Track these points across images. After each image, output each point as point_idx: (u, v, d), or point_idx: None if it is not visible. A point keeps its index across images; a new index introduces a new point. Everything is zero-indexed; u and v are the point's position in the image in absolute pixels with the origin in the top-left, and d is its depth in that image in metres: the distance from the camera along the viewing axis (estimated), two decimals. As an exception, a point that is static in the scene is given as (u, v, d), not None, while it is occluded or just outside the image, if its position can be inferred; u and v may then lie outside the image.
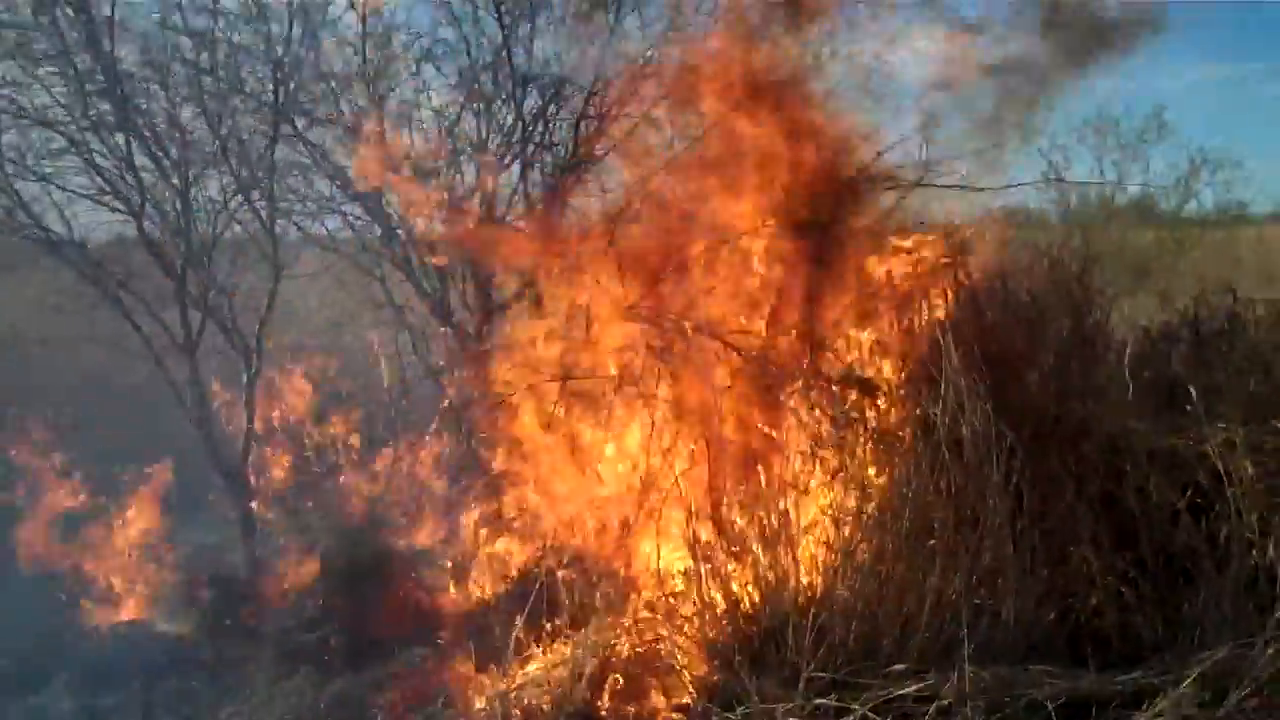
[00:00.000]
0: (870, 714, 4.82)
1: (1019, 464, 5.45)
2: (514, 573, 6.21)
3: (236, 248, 8.93)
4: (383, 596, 6.50)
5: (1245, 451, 5.42)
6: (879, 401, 5.74)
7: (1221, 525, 5.50)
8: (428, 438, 7.99)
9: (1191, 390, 5.67)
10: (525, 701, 5.10)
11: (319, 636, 6.41)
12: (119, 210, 8.49)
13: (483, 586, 6.16)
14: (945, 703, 4.83)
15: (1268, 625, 5.01)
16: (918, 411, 5.52)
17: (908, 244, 6.79)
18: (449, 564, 6.54)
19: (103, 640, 7.23)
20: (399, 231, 8.83)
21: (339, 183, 8.77)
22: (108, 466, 9.33)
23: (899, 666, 5.05)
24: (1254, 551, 5.39)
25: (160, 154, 8.38)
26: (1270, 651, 4.84)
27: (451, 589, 6.35)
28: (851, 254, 6.61)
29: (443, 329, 8.86)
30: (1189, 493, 5.70)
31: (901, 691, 4.88)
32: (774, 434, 5.76)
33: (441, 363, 8.28)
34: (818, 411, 5.66)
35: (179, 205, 8.43)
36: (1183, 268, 14.96)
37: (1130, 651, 5.43)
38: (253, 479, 8.59)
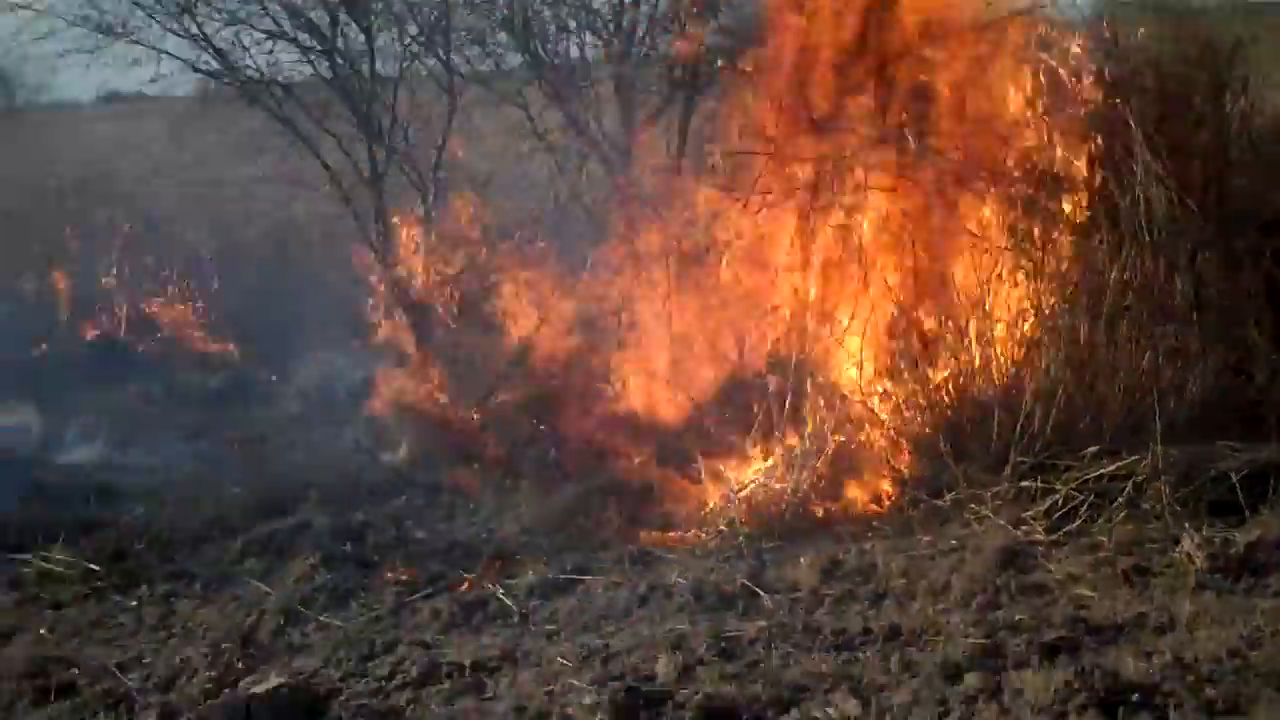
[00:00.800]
0: (1072, 492, 5.30)
1: (1199, 249, 5.78)
2: (717, 379, 6.64)
3: (415, 84, 9.28)
4: (591, 411, 6.98)
5: None
6: (1068, 194, 6.02)
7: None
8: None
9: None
10: (753, 498, 5.69)
11: (534, 454, 6.94)
12: (311, 49, 8.88)
13: (689, 395, 6.62)
14: (1140, 479, 5.29)
15: None
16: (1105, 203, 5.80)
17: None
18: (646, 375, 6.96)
19: (331, 466, 7.91)
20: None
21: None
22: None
23: (1093, 448, 5.49)
24: None
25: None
26: None
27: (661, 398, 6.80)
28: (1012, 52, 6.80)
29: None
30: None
31: (1099, 471, 5.35)
32: (972, 230, 6.05)
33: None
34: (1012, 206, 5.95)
35: (366, 42, 8.80)
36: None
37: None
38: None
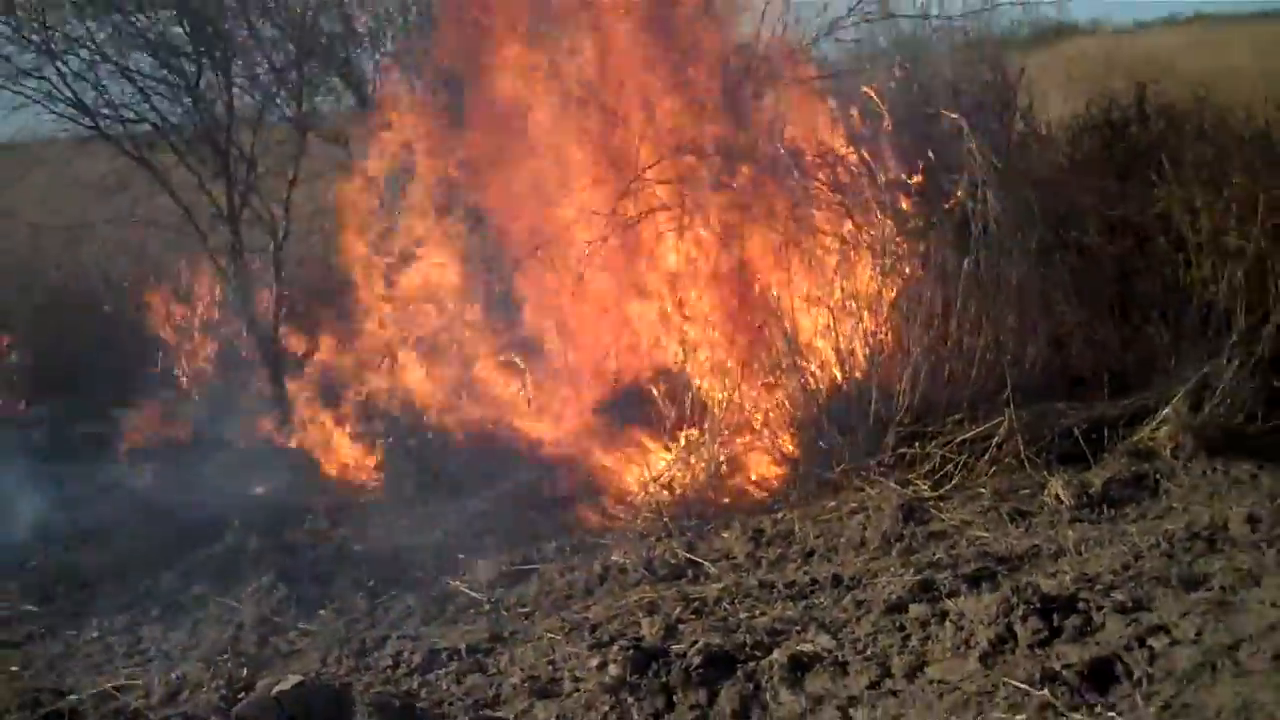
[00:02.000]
0: (946, 454, 6.16)
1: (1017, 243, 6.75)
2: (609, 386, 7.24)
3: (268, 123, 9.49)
4: (485, 421, 7.46)
5: (1202, 212, 6.78)
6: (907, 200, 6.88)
7: (1179, 276, 6.91)
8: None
9: (1164, 161, 6.99)
10: (672, 484, 6.32)
11: (437, 468, 7.36)
12: (172, 87, 9.01)
13: (580, 404, 7.19)
14: (999, 440, 6.19)
15: (1224, 349, 6.44)
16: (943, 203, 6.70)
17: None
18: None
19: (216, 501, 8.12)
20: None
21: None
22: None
23: (955, 416, 6.36)
24: (1207, 293, 6.80)
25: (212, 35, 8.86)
26: (1233, 366, 6.29)
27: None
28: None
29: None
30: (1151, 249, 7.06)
31: (965, 435, 6.23)
32: (826, 236, 6.85)
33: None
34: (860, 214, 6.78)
35: (224, 82, 8.98)
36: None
37: (1111, 385, 6.82)
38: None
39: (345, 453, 8.16)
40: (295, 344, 9.35)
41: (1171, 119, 8.43)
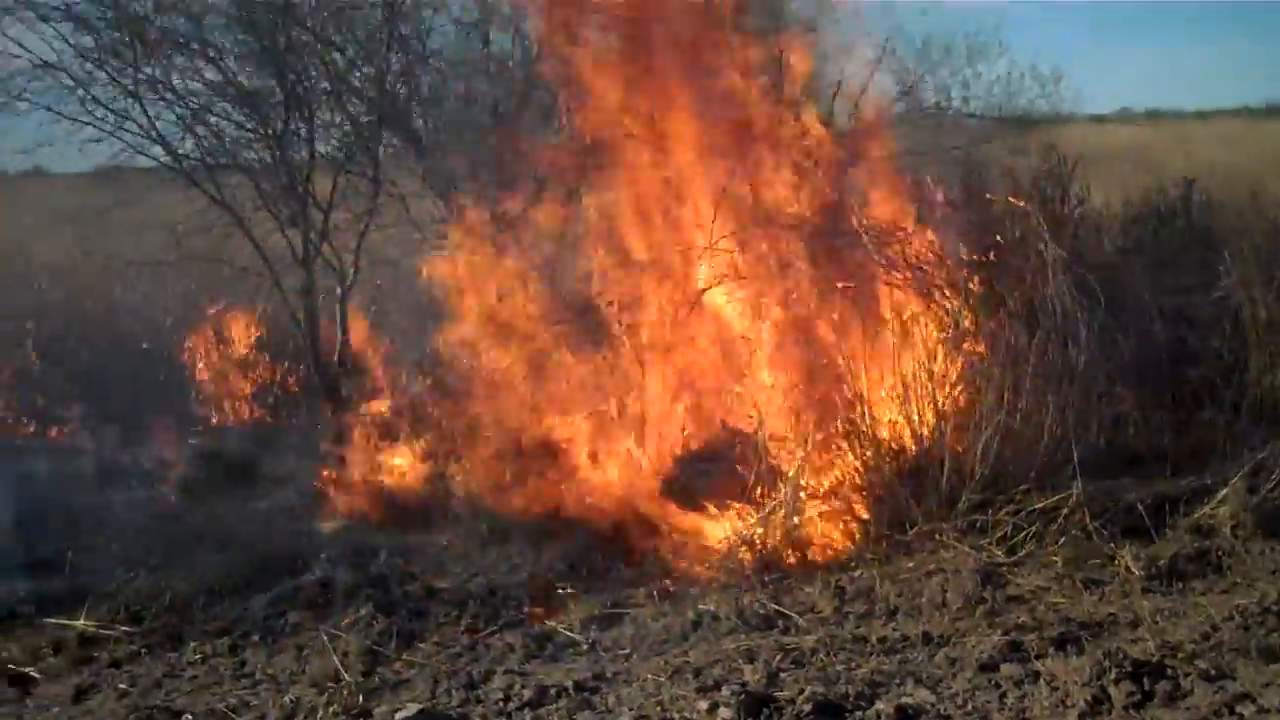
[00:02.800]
0: (1017, 522, 6.43)
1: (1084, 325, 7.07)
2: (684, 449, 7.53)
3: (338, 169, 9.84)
4: (561, 470, 7.72)
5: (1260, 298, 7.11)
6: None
7: (1239, 361, 7.22)
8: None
9: (1226, 255, 7.33)
10: (752, 540, 6.58)
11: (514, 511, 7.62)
12: (255, 132, 9.35)
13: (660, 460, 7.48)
14: (1068, 510, 6.46)
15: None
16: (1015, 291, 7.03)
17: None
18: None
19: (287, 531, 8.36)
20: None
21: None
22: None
23: (1023, 487, 6.63)
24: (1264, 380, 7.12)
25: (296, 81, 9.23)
26: (1287, 454, 6.59)
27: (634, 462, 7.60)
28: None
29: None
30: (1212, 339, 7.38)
31: (1036, 505, 6.49)
32: (905, 314, 7.17)
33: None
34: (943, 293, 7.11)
35: (308, 130, 9.34)
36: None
37: (1168, 464, 7.12)
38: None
39: (412, 489, 8.41)
40: (359, 382, 9.64)
41: (1217, 210, 8.80)
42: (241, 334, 11.55)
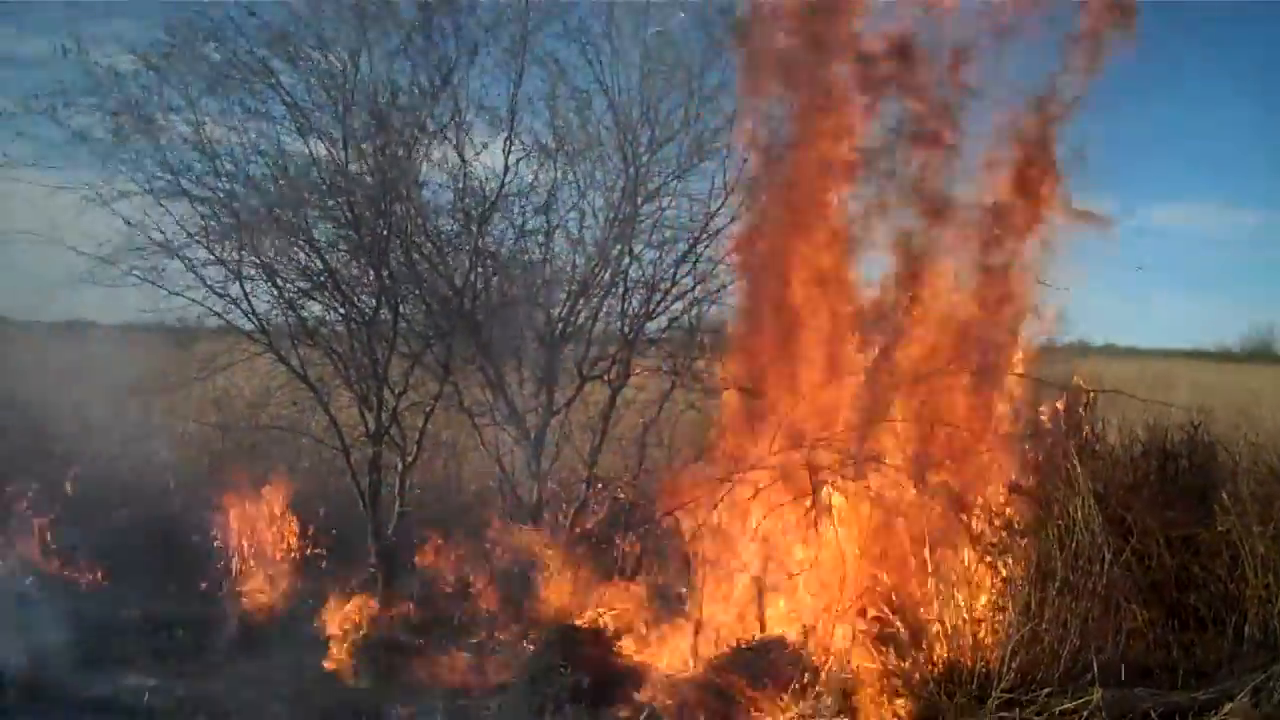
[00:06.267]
0: (1040, 721, 7.07)
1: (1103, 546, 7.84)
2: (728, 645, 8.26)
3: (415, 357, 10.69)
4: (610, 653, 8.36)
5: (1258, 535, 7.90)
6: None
7: (1239, 590, 7.97)
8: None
9: (1224, 494, 8.17)
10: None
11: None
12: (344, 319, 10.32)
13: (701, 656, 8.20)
14: (1086, 714, 7.10)
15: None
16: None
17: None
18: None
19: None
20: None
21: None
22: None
23: (1046, 690, 7.28)
24: (1263, 608, 7.85)
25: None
26: (1287, 674, 7.29)
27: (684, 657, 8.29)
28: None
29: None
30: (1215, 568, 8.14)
31: (1060, 707, 7.14)
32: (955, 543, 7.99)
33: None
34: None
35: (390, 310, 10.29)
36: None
37: (1175, 679, 7.79)
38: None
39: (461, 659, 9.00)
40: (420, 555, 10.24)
41: (1216, 452, 9.65)
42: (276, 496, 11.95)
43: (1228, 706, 7.18)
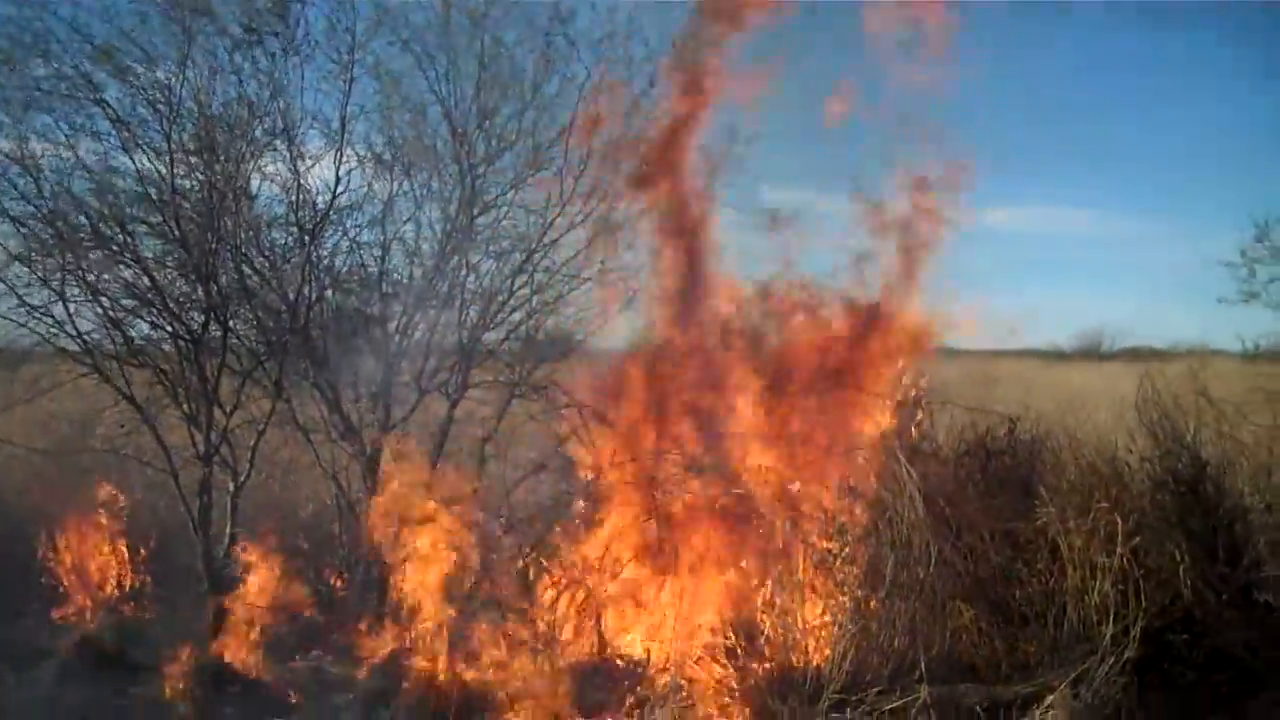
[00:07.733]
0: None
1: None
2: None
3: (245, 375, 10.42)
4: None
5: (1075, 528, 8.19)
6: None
7: (1059, 584, 8.24)
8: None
9: (1041, 489, 8.45)
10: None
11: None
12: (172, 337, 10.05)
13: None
14: (914, 710, 7.29)
15: (1098, 648, 7.72)
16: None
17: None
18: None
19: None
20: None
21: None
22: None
23: (876, 688, 7.45)
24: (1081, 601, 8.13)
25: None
26: (1107, 663, 7.56)
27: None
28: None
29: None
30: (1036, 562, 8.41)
31: (889, 705, 7.31)
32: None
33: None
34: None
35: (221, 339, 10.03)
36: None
37: (1000, 673, 8.04)
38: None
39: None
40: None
41: (1037, 449, 9.97)
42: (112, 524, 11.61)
43: (1049, 698, 7.45)
